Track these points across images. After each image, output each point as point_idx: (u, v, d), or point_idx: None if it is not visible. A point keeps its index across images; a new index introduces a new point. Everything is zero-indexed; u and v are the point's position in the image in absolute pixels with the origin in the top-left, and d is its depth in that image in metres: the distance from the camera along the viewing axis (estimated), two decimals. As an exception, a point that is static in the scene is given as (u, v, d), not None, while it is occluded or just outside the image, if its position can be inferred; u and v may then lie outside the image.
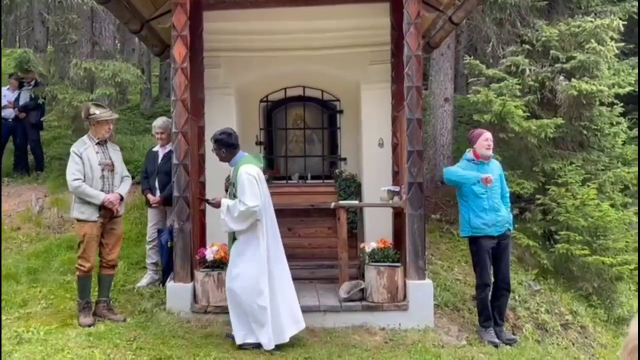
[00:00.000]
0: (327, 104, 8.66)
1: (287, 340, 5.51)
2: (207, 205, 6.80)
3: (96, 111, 6.09)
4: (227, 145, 5.65)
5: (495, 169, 6.22)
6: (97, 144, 6.08)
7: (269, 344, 5.39)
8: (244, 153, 5.75)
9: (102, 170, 6.03)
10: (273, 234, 5.64)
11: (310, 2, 7.03)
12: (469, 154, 6.24)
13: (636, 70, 9.36)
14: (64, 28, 10.18)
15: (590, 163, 8.93)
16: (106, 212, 6.01)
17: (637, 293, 8.96)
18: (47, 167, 10.68)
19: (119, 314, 6.18)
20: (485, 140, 6.13)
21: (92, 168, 5.97)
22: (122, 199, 6.17)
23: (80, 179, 5.89)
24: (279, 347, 5.42)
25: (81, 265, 5.94)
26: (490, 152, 6.17)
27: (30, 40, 13.71)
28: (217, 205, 5.65)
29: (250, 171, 5.47)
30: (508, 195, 6.39)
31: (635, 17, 10.03)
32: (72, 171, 5.92)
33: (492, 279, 6.18)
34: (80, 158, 5.94)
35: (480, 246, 6.09)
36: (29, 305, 6.47)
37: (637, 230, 9.22)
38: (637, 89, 9.29)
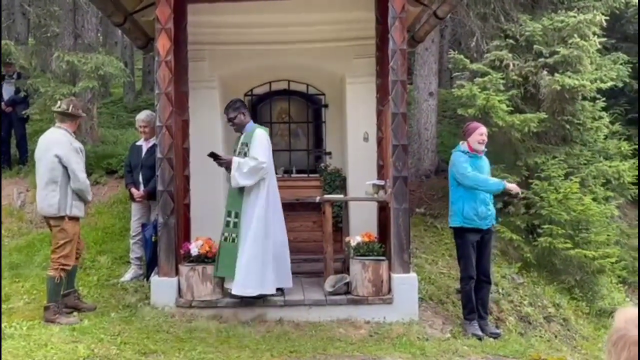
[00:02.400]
0: (312, 98, 8.65)
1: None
2: (190, 198, 6.79)
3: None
4: (247, 108, 6.52)
5: (486, 164, 6.28)
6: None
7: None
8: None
9: None
10: (274, 200, 6.28)
11: (295, -5, 7.02)
12: (462, 145, 6.27)
13: (618, 65, 9.43)
14: (46, 20, 10.07)
15: (573, 157, 8.99)
16: None
17: (618, 286, 9.07)
18: (29, 161, 10.54)
19: (89, 303, 6.23)
20: (479, 134, 6.18)
21: (85, 165, 6.01)
22: None
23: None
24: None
25: (67, 265, 5.83)
26: (483, 147, 6.20)
27: (10, 32, 13.51)
28: (228, 162, 6.13)
29: (265, 134, 6.33)
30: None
31: (617, 12, 10.12)
32: (82, 168, 5.86)
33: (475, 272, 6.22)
34: (82, 154, 5.93)
35: (465, 239, 6.14)
36: (11, 301, 6.42)
37: (618, 224, 9.34)
38: (618, 84, 9.37)
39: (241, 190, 6.15)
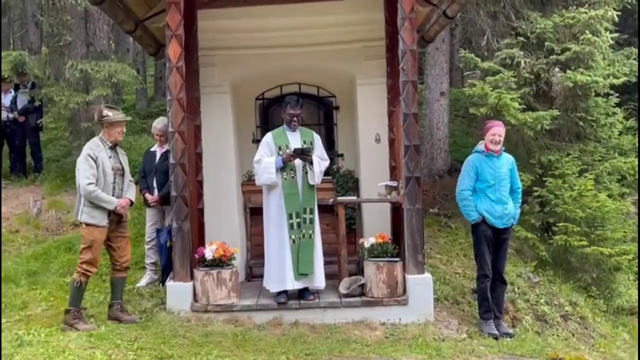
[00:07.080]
0: (323, 101, 8.64)
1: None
2: (204, 203, 6.83)
3: (109, 113, 6.05)
4: None
5: (505, 163, 6.25)
6: (110, 147, 6.05)
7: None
8: None
9: (114, 175, 6.00)
10: None
11: (304, -2, 7.03)
12: (480, 145, 6.29)
13: (631, 61, 9.35)
14: (58, 29, 10.15)
15: (587, 154, 8.93)
16: (115, 217, 5.98)
17: (636, 283, 8.98)
18: (44, 169, 10.65)
19: (132, 315, 6.17)
20: (492, 134, 6.16)
21: (105, 173, 5.91)
22: (131, 204, 6.19)
23: (94, 183, 5.82)
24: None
25: (88, 271, 5.85)
26: (497, 147, 6.17)
27: (24, 42, 13.66)
28: (312, 159, 6.32)
29: None
30: (520, 190, 6.39)
31: (629, 7, 10.03)
32: (87, 175, 5.81)
33: (491, 271, 6.19)
34: (95, 161, 5.86)
35: (479, 236, 6.15)
36: (29, 308, 6.48)
37: (634, 220, 9.24)
38: (632, 79, 9.30)
39: (312, 187, 6.40)
